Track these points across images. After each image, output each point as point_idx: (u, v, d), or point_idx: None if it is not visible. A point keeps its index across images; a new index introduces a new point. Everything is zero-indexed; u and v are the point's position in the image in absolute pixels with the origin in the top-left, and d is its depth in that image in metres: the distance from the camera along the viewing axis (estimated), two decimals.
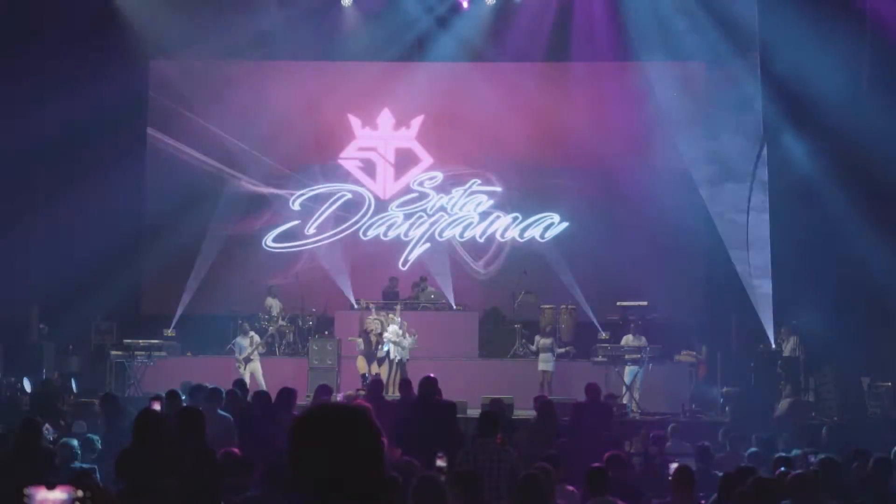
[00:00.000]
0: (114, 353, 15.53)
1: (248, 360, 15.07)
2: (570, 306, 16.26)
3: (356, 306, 16.73)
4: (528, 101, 18.06)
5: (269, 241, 18.27)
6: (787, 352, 15.36)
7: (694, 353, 15.84)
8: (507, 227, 18.35)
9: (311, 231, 18.18)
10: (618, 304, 16.16)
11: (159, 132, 18.15)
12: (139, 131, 18.00)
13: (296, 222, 18.13)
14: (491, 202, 18.18)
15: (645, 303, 15.98)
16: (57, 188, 16.57)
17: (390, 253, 18.09)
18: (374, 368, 14.72)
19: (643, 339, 15.12)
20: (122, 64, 16.88)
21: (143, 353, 15.55)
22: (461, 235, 18.18)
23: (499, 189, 18.27)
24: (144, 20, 17.15)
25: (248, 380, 14.04)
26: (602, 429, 10.02)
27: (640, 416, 14.13)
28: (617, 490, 6.46)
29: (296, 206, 18.10)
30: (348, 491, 2.05)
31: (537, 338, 15.57)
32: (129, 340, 15.66)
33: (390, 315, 15.73)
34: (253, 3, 17.71)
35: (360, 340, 15.47)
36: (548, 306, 16.09)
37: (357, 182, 18.58)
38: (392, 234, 18.28)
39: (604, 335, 15.85)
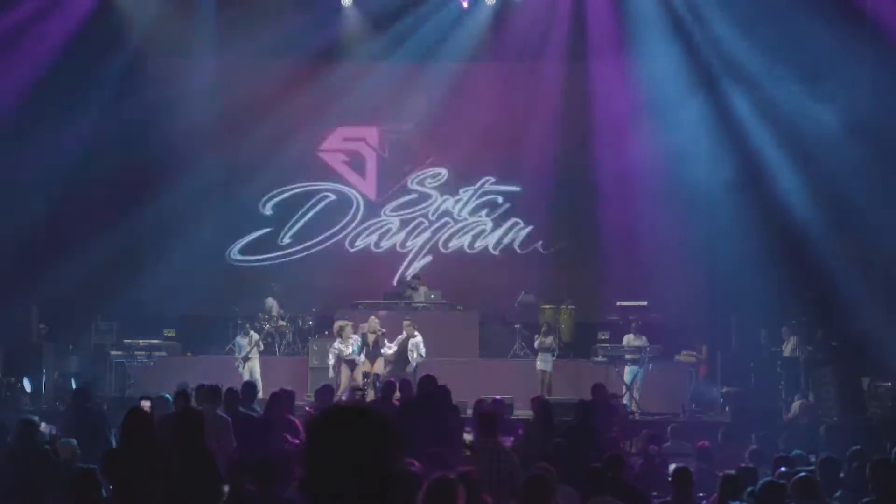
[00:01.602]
0: (113, 352, 15.54)
1: (246, 358, 15.03)
2: (569, 306, 16.22)
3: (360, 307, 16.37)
4: (536, 99, 17.47)
5: (233, 252, 17.63)
6: (787, 352, 15.35)
7: (694, 353, 15.85)
8: (505, 233, 17.64)
9: (286, 241, 17.50)
10: (618, 304, 16.15)
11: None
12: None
13: (266, 230, 17.51)
14: (507, 206, 17.59)
15: (645, 303, 16.01)
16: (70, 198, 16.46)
17: (385, 264, 17.67)
18: (377, 367, 14.65)
19: (644, 338, 15.10)
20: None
21: (143, 352, 15.56)
22: (471, 246, 17.60)
23: (517, 188, 17.52)
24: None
25: (246, 378, 14.10)
26: (607, 429, 10.06)
27: (640, 416, 14.09)
28: (616, 490, 6.45)
29: (267, 211, 17.59)
30: (360, 490, 2.08)
31: (537, 337, 15.47)
32: (129, 340, 15.65)
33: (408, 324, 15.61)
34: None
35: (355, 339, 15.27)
36: (548, 306, 16.10)
37: (342, 180, 17.84)
38: (386, 244, 17.72)
39: (603, 335, 15.72)
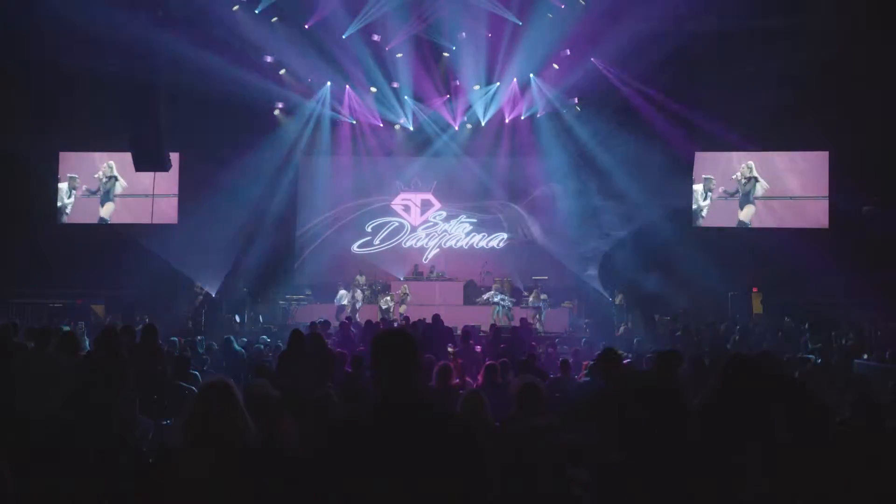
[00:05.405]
0: (280, 301, 19.41)
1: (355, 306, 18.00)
2: (508, 278, 19.28)
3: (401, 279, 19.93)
4: (492, 174, 20.74)
5: (354, 248, 21.10)
6: (616, 302, 18.27)
7: (571, 302, 19.05)
8: (479, 239, 20.63)
9: (376, 243, 21.21)
10: (533, 277, 19.27)
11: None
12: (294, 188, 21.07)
13: (368, 238, 21.21)
14: (470, 227, 20.99)
15: (546, 277, 19.09)
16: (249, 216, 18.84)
17: (416, 256, 20.87)
18: (402, 310, 17.51)
19: (546, 294, 18.24)
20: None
21: (295, 301, 19.39)
22: (456, 244, 20.52)
23: (475, 220, 20.83)
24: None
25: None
26: (528, 340, 11.96)
27: (544, 334, 16.46)
28: (532, 371, 7.20)
29: (369, 229, 21.32)
30: (402, 368, 2.65)
31: (493, 293, 18.09)
32: (288, 295, 19.60)
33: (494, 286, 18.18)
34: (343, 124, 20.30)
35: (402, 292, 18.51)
36: (498, 278, 19.02)
37: (401, 216, 21.25)
38: (417, 245, 20.98)
39: (525, 293, 18.79)
